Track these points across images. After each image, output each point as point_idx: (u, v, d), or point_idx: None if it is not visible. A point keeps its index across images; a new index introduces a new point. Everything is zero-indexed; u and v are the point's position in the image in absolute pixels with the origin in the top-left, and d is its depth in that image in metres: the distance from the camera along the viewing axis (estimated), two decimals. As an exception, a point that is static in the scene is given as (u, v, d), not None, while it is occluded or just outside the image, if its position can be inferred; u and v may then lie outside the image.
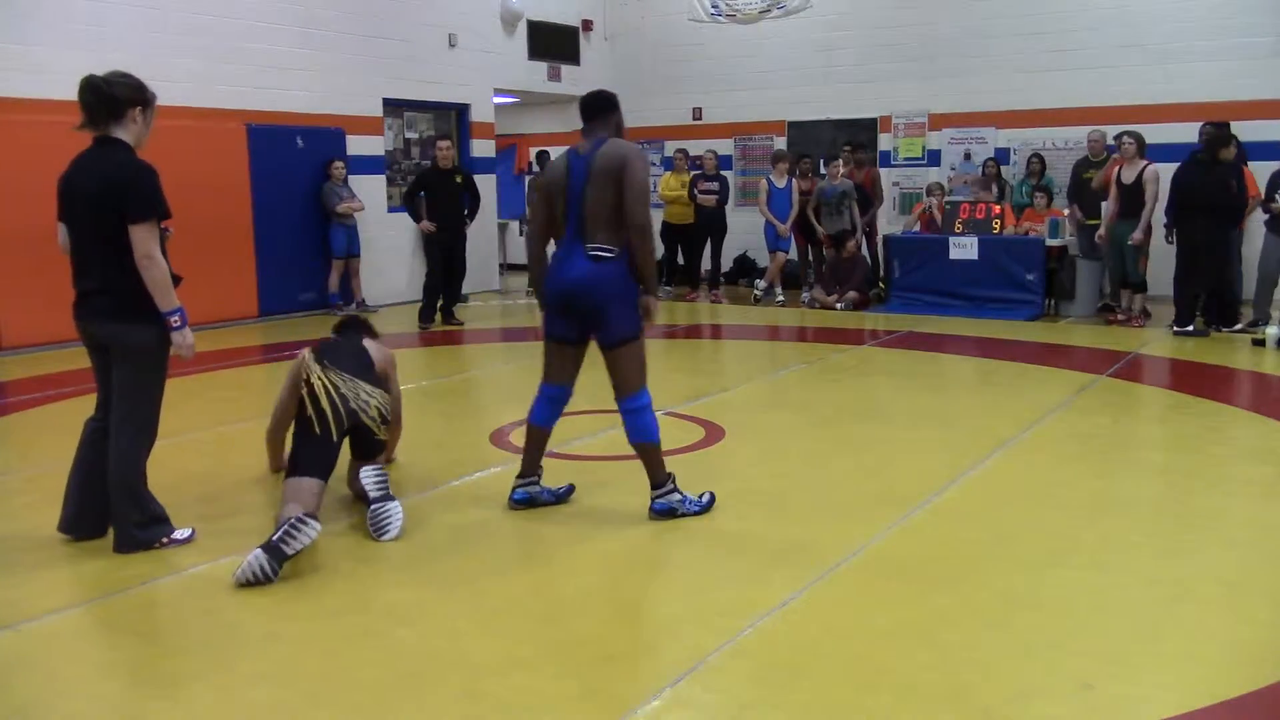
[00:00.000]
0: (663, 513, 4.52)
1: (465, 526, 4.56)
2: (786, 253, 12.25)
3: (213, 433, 6.24)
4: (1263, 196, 9.50)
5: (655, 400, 6.93)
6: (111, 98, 4.04)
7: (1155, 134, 10.82)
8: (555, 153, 14.23)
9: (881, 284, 11.92)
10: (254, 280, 10.92)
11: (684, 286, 13.00)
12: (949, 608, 3.62)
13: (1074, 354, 8.71)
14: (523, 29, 14.06)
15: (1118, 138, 10.27)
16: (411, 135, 13.19)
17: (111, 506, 4.19)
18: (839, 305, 11.41)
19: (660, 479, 4.56)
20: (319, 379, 4.45)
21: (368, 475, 4.42)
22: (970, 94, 12.82)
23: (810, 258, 12.60)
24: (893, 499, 4.78)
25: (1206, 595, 3.73)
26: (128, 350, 4.10)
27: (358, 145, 11.92)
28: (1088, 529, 4.41)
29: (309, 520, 3.94)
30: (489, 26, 13.58)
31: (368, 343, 4.91)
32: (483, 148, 13.72)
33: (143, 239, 3.98)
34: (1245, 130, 10.44)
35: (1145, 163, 9.82)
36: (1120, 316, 10.21)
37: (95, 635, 3.53)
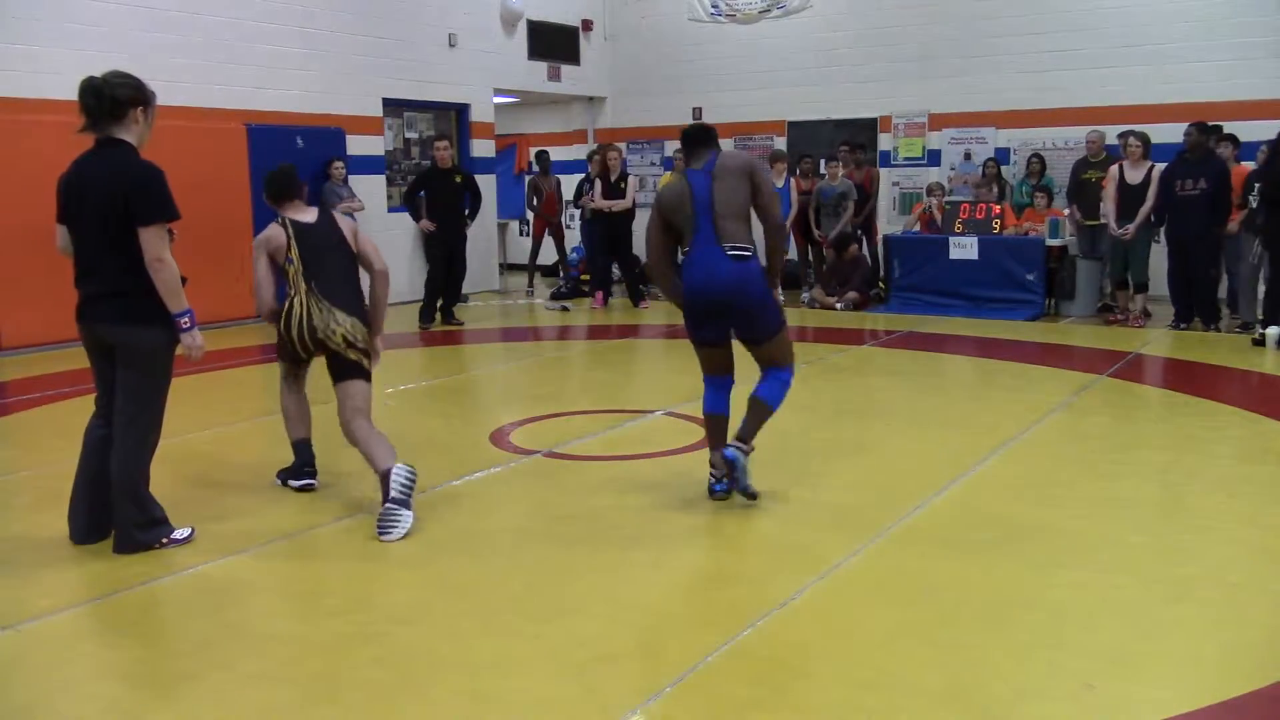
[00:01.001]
0: (732, 461, 4.58)
1: (465, 527, 4.56)
2: (785, 253, 12.22)
3: (212, 433, 6.24)
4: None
5: (653, 400, 6.99)
6: (112, 99, 4.00)
7: (1155, 134, 10.80)
8: (555, 153, 14.36)
9: (881, 284, 11.91)
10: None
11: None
12: (949, 607, 3.62)
13: (1074, 354, 8.71)
14: (523, 29, 14.06)
15: (1121, 137, 10.28)
16: (411, 135, 13.18)
17: (113, 507, 4.18)
18: (839, 305, 11.41)
19: (750, 435, 4.67)
20: (300, 304, 4.74)
21: (399, 473, 4.46)
22: (970, 94, 12.81)
23: (810, 258, 12.59)
24: (892, 499, 4.78)
25: (1206, 595, 3.73)
26: (135, 353, 4.08)
27: (358, 145, 11.92)
28: (1088, 529, 4.41)
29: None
30: (489, 26, 13.57)
31: (340, 223, 4.98)
32: (483, 148, 13.71)
33: (153, 242, 3.97)
34: (1245, 130, 10.43)
35: (1151, 164, 9.83)
36: (1119, 316, 10.22)
37: (95, 635, 3.53)
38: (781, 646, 3.34)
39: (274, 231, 4.87)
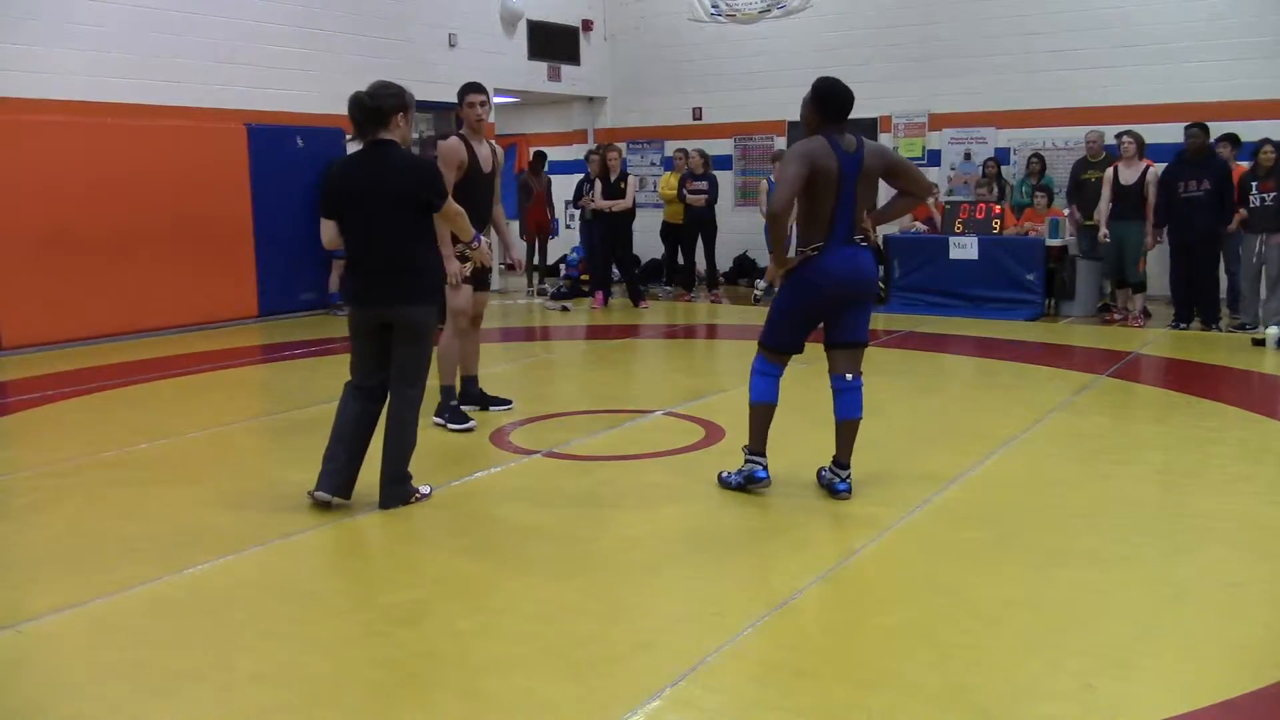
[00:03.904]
0: (847, 492, 4.78)
1: (465, 527, 4.56)
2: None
3: (212, 432, 6.23)
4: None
5: (653, 400, 6.99)
6: (376, 109, 4.62)
7: (1155, 134, 10.81)
8: (555, 153, 14.34)
9: (881, 284, 11.91)
10: (254, 280, 10.91)
11: (680, 287, 12.99)
12: (949, 608, 3.62)
13: (1074, 354, 8.71)
14: (523, 29, 14.06)
15: (1118, 137, 10.28)
16: (411, 135, 13.19)
17: (384, 469, 4.63)
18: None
19: (848, 459, 4.87)
20: None
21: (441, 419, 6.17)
22: (970, 94, 12.81)
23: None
24: (892, 499, 4.78)
25: (1206, 595, 3.73)
26: (412, 329, 4.57)
27: (358, 146, 11.91)
28: (1088, 529, 4.41)
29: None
30: (489, 26, 13.58)
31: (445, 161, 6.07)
32: (483, 148, 13.71)
33: (450, 210, 4.74)
34: (1245, 130, 10.43)
35: (1146, 164, 9.83)
36: (1119, 316, 10.22)
37: (95, 635, 3.53)
38: (781, 646, 3.34)
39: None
